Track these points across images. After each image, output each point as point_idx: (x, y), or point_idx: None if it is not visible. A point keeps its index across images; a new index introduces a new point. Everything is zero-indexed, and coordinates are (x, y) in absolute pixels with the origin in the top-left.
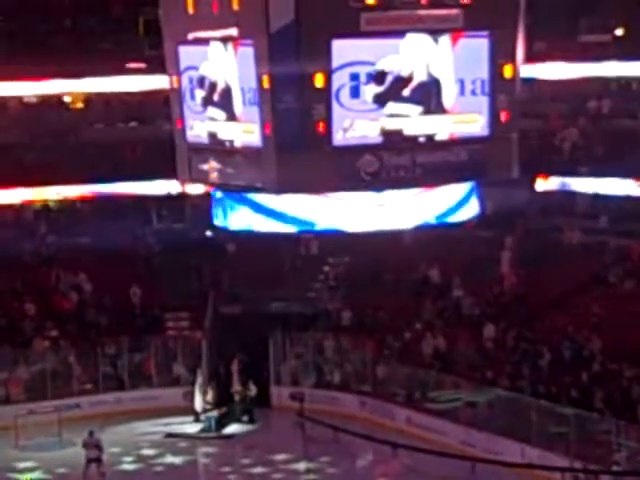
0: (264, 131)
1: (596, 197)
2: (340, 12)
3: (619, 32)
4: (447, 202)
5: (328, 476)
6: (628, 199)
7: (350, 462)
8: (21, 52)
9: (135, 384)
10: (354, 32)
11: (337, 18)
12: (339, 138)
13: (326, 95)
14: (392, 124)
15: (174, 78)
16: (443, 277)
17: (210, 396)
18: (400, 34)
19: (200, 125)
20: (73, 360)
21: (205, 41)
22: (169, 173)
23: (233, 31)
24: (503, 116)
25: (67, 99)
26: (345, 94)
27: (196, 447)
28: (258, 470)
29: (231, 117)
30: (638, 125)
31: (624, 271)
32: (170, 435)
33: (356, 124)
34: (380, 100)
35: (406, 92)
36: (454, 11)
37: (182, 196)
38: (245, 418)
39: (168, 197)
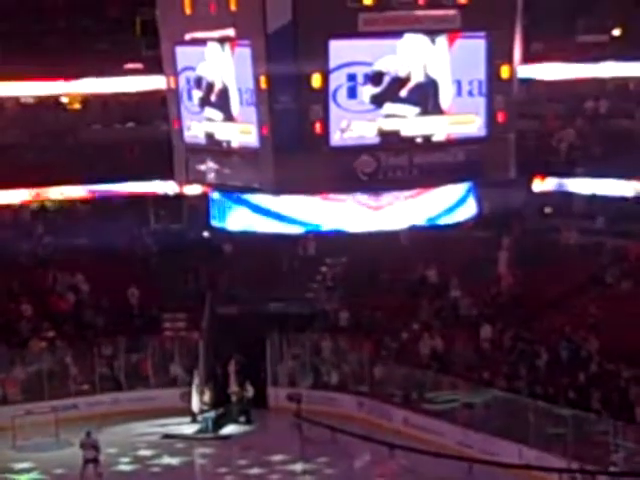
0: (261, 131)
1: (593, 198)
2: (337, 13)
3: (616, 32)
4: (444, 203)
5: (325, 477)
6: (625, 200)
7: (347, 463)
8: (18, 52)
9: (132, 385)
10: (351, 33)
11: (334, 19)
12: (336, 138)
13: (323, 96)
14: (389, 125)
15: (171, 79)
16: (440, 277)
17: (207, 397)
18: (397, 35)
19: (197, 126)
20: (70, 361)
21: (202, 42)
22: (166, 174)
23: (230, 32)
24: (500, 117)
25: (64, 100)
26: (342, 95)
27: (193, 448)
28: (255, 471)
29: (228, 118)
30: (635, 125)
31: (621, 272)
32: (167, 436)
33: (353, 125)
34: (377, 101)
35: (403, 93)
36: (451, 12)
37: (179, 197)
38: (242, 419)
39: (165, 198)
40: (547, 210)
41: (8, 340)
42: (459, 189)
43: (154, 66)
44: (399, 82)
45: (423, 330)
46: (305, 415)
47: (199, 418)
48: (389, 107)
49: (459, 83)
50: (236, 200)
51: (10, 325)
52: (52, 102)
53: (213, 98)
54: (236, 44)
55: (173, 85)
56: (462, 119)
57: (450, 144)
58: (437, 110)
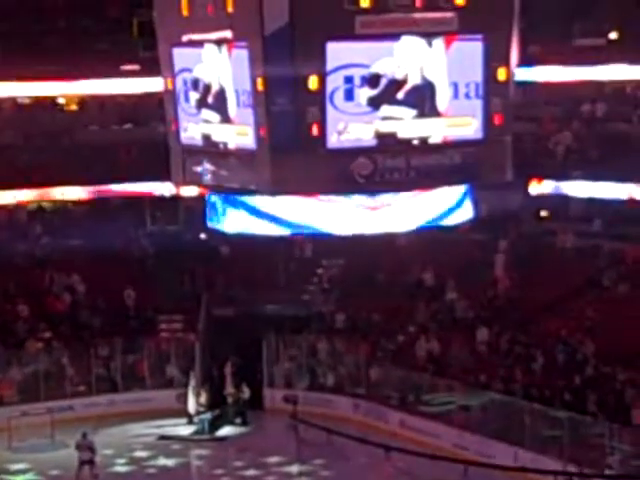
0: (258, 133)
1: (590, 201)
2: (335, 15)
3: (613, 36)
4: (441, 205)
5: (321, 479)
6: (622, 202)
7: (343, 465)
8: (15, 53)
9: (128, 386)
10: (349, 35)
11: (332, 21)
12: (333, 141)
13: (320, 98)
14: (386, 127)
15: (168, 80)
16: (437, 280)
17: (203, 398)
18: (394, 37)
19: (194, 127)
20: (66, 362)
21: (199, 43)
22: (163, 175)
23: (227, 33)
24: (497, 119)
25: (61, 100)
26: (339, 97)
27: (189, 449)
28: (251, 473)
29: (225, 119)
30: (632, 129)
31: (618, 275)
32: (163, 437)
33: (350, 127)
34: (374, 103)
35: (400, 95)
36: (448, 14)
37: (176, 198)
38: (238, 420)
39: (162, 199)
40: (544, 213)
41: (4, 341)
42: (456, 192)
43: (151, 67)
44: (396, 84)
45: (419, 332)
46: (301, 417)
47: (195, 419)
48: (386, 109)
49: (456, 85)
50: (232, 202)
51: (6, 326)
52: (49, 103)
53: (210, 100)
54: (233, 46)
55: (170, 86)
56: (459, 121)
57: (447, 146)
58: (434, 112)
